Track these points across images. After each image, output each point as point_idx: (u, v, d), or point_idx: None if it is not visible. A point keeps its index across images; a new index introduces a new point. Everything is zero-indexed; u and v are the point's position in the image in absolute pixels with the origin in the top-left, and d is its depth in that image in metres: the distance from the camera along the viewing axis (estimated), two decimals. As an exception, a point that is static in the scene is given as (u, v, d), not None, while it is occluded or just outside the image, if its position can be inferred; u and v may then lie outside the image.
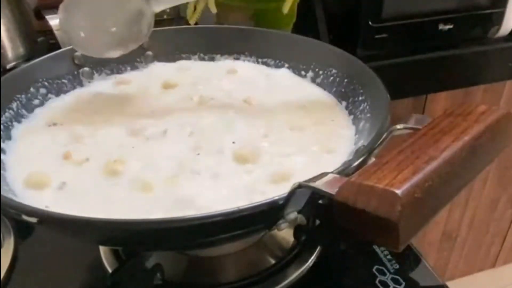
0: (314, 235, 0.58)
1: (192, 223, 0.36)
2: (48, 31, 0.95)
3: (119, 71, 0.70)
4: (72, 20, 0.57)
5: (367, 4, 0.93)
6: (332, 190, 0.34)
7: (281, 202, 0.37)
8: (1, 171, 0.49)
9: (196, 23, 0.91)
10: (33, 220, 0.38)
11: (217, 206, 0.40)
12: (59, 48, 0.65)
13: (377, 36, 0.93)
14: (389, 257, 0.58)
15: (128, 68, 0.71)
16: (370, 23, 0.90)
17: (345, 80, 0.62)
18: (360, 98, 0.58)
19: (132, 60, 0.71)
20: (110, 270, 0.55)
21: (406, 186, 0.30)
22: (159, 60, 0.72)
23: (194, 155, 0.52)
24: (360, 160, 0.42)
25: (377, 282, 0.55)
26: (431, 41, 1.02)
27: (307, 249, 0.58)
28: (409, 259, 0.58)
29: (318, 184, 0.35)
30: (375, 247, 0.59)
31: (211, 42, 0.73)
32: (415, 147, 0.35)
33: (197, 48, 0.73)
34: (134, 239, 0.43)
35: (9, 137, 0.55)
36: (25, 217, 0.38)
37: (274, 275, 0.55)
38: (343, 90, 0.62)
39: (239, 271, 0.56)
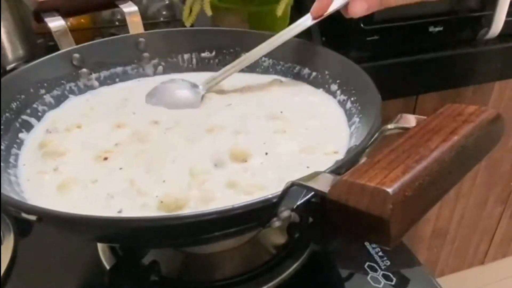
0: (307, 233, 0.58)
1: (187, 220, 0.36)
2: (47, 33, 0.95)
3: (116, 73, 0.71)
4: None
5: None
6: (325, 189, 0.34)
7: (274, 200, 0.37)
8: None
9: (192, 26, 0.92)
10: (33, 217, 0.38)
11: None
12: (58, 50, 0.66)
13: (368, 38, 0.94)
14: (380, 254, 0.59)
15: (127, 69, 0.72)
16: (362, 25, 0.91)
17: (338, 81, 0.63)
18: (353, 98, 0.59)
19: (129, 62, 0.72)
20: (107, 267, 0.56)
21: (397, 184, 0.31)
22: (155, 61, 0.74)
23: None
24: (352, 159, 0.42)
25: (368, 278, 0.55)
26: (422, 43, 1.03)
27: (300, 246, 0.58)
28: (400, 256, 0.59)
29: (311, 182, 0.36)
30: (366, 244, 0.60)
31: (207, 44, 0.74)
32: (405, 147, 0.35)
33: (193, 50, 0.74)
34: (130, 237, 0.44)
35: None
36: (24, 215, 0.38)
37: (268, 272, 0.55)
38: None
39: (234, 267, 0.56)
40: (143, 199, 0.47)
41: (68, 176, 0.52)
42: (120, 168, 0.52)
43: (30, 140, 0.58)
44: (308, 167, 0.50)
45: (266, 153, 0.53)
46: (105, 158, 0.54)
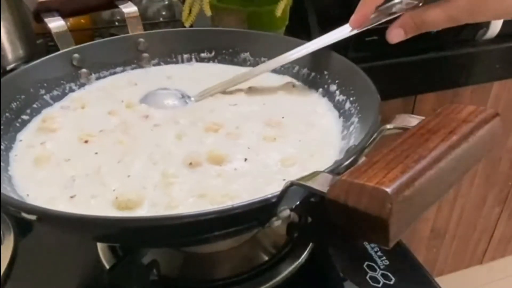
0: (306, 232, 0.58)
1: (187, 220, 0.36)
2: (47, 34, 0.95)
3: (116, 73, 0.71)
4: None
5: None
6: (324, 188, 0.34)
7: (274, 200, 0.37)
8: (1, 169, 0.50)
9: (191, 26, 0.92)
10: (33, 217, 0.38)
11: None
12: (58, 50, 0.66)
13: (367, 38, 0.94)
14: (379, 253, 0.59)
15: (127, 69, 0.72)
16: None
17: (337, 81, 0.63)
18: (351, 98, 0.59)
19: (129, 62, 0.72)
20: (107, 266, 0.56)
21: (395, 184, 0.31)
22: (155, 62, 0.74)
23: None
24: (351, 159, 0.42)
25: (367, 278, 0.56)
26: (420, 43, 1.03)
27: (299, 245, 0.59)
28: (399, 255, 0.59)
29: (310, 182, 0.36)
30: (365, 243, 0.60)
31: (206, 45, 0.74)
32: (404, 147, 0.35)
33: (192, 50, 0.74)
34: (129, 236, 0.44)
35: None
36: (24, 215, 0.38)
37: (267, 271, 0.56)
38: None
39: (234, 267, 0.56)
40: (100, 189, 0.48)
41: (48, 151, 0.54)
42: (96, 153, 0.54)
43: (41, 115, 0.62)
44: (284, 179, 0.48)
45: (246, 159, 0.52)
46: (86, 141, 0.56)
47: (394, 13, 0.59)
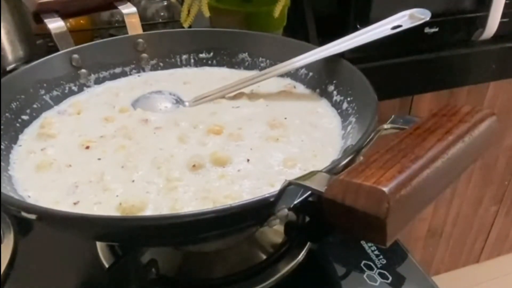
0: (304, 231, 0.58)
1: (185, 220, 0.37)
2: (46, 34, 0.95)
3: (115, 73, 0.72)
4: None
5: (355, 8, 0.94)
6: (321, 188, 0.34)
7: (272, 199, 0.37)
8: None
9: (190, 27, 0.92)
10: (33, 217, 0.39)
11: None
12: (57, 50, 0.66)
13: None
14: (376, 252, 0.59)
15: (126, 69, 0.72)
16: (358, 26, 0.92)
17: (334, 81, 0.64)
18: (349, 98, 0.60)
19: (128, 63, 0.72)
20: (106, 266, 0.56)
21: (393, 184, 0.31)
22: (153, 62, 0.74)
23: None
24: (349, 159, 0.42)
25: (364, 276, 0.56)
26: (417, 43, 1.04)
27: (297, 244, 0.59)
28: (396, 254, 0.59)
29: (308, 182, 0.36)
30: (362, 242, 0.60)
31: (205, 45, 0.74)
32: (401, 147, 0.36)
33: (191, 50, 0.75)
34: (128, 236, 0.44)
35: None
36: (24, 214, 0.38)
37: (265, 270, 0.56)
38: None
39: (232, 266, 0.56)
40: (103, 196, 0.48)
41: (50, 157, 0.54)
42: (99, 159, 0.54)
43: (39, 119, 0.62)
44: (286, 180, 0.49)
45: (248, 160, 0.52)
46: (87, 147, 0.56)
47: (400, 26, 0.59)
